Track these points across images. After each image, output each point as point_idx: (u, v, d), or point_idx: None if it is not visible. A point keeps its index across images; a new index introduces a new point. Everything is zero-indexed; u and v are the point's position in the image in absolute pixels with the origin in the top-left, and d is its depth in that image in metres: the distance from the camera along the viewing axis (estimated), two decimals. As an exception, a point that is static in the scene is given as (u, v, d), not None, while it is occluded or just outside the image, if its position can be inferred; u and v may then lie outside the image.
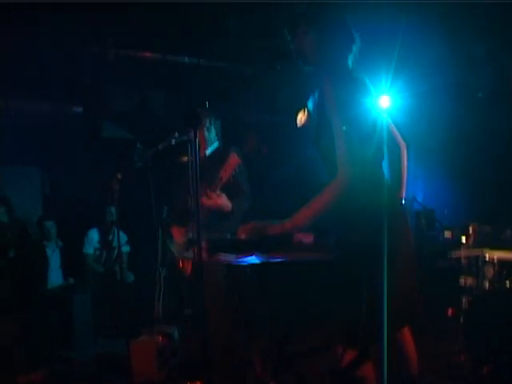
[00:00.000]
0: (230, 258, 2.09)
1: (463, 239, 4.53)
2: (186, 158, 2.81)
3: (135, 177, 3.57)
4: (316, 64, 2.28)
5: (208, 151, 3.63)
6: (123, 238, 5.56)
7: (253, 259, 2.03)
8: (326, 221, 2.17)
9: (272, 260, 2.04)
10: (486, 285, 4.23)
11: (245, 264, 2.03)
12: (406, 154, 2.48)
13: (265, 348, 2.32)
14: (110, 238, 5.45)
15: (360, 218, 2.16)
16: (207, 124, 3.57)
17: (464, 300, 4.45)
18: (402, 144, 2.48)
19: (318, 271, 2.17)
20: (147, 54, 4.75)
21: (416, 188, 5.71)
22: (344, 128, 2.08)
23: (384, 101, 2.65)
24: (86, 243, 5.60)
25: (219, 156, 3.53)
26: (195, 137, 2.17)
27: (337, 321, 2.23)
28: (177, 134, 3.34)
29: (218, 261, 2.14)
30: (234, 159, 3.18)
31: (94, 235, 5.60)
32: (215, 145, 3.66)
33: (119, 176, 3.60)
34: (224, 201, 3.27)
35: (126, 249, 5.71)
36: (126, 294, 5.12)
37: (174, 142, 3.40)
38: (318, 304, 2.19)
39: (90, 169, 5.60)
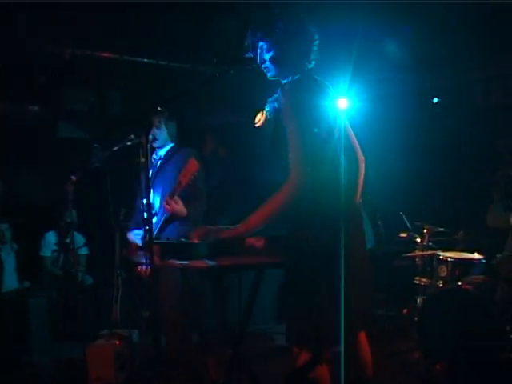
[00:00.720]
0: (181, 261, 2.08)
1: (418, 240, 4.63)
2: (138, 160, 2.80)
3: (92, 178, 3.52)
4: (279, 73, 2.31)
5: (162, 152, 3.63)
6: (81, 240, 5.47)
7: (205, 263, 2.03)
8: (278, 224, 2.19)
9: (223, 264, 2.05)
10: (440, 284, 4.35)
11: (197, 268, 2.03)
12: (363, 169, 2.48)
13: (218, 349, 2.34)
14: (68, 240, 5.35)
15: (312, 220, 2.18)
16: (158, 124, 3.55)
17: (418, 299, 4.56)
18: (361, 158, 2.47)
19: (271, 275, 2.19)
20: (104, 54, 4.69)
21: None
22: (298, 131, 2.11)
23: (342, 103, 2.68)
24: (43, 246, 5.50)
25: (175, 158, 3.54)
26: (147, 142, 2.16)
27: (291, 322, 2.25)
28: (132, 136, 3.33)
29: (170, 265, 2.13)
30: (193, 164, 3.18)
31: (51, 238, 5.49)
32: (169, 145, 3.65)
33: (74, 178, 3.56)
34: (180, 207, 3.27)
35: (83, 251, 5.62)
36: (84, 297, 5.05)
37: (129, 143, 3.39)
38: (270, 306, 2.20)
39: (47, 169, 5.49)
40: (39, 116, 5.35)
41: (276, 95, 2.26)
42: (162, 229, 3.25)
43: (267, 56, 2.26)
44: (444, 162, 5.85)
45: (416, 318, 4.22)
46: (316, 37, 2.31)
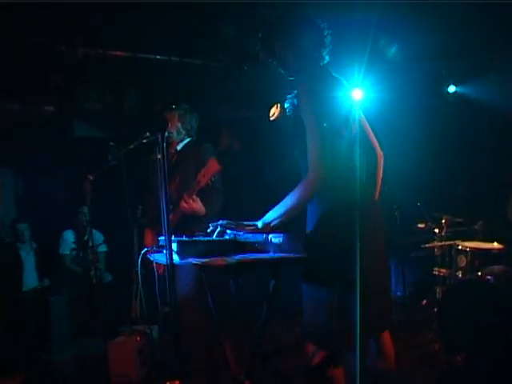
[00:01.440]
0: (200, 259, 2.09)
1: (436, 230, 4.59)
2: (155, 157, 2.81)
3: (109, 176, 3.54)
4: (296, 72, 2.30)
5: (179, 146, 3.62)
6: (100, 237, 5.52)
7: (224, 260, 2.03)
8: (298, 219, 2.19)
9: (243, 260, 2.05)
10: (459, 274, 4.32)
11: (216, 266, 2.03)
12: (382, 164, 2.47)
13: (239, 346, 2.34)
14: (86, 238, 5.41)
15: (332, 216, 2.18)
16: (174, 119, 3.54)
17: (438, 290, 4.53)
18: (380, 154, 2.48)
19: (290, 271, 2.19)
20: (118, 53, 4.70)
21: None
22: (317, 126, 2.10)
23: (357, 94, 2.66)
24: (61, 244, 5.56)
25: (193, 153, 3.53)
26: (162, 139, 2.16)
27: (308, 319, 2.25)
28: (148, 134, 3.33)
29: (188, 262, 2.13)
30: (213, 165, 3.17)
31: (69, 236, 5.56)
32: (187, 140, 3.64)
33: (91, 177, 3.57)
34: (199, 205, 3.27)
35: (103, 248, 5.67)
36: (104, 294, 5.09)
37: (145, 141, 3.40)
38: (290, 303, 2.20)
39: (64, 169, 5.53)
40: (55, 116, 5.39)
41: (295, 91, 2.25)
42: (178, 226, 3.26)
43: (283, 55, 2.26)
44: (462, 152, 5.79)
45: (436, 309, 4.19)
46: (326, 32, 2.30)
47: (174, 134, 3.58)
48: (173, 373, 3.43)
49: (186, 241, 2.19)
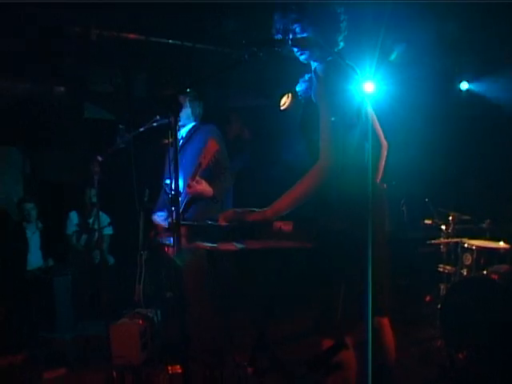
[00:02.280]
0: (209, 244, 2.09)
1: (443, 227, 4.58)
2: (166, 141, 2.80)
3: (117, 158, 3.53)
4: (309, 50, 2.28)
5: (184, 131, 3.64)
6: (106, 220, 5.53)
7: (233, 245, 2.03)
8: (307, 208, 2.18)
9: (251, 247, 2.05)
10: (464, 272, 4.31)
11: (224, 250, 2.03)
12: (385, 155, 2.49)
13: (243, 333, 2.35)
14: (91, 220, 5.42)
15: (341, 206, 2.17)
16: (183, 104, 3.56)
17: (442, 286, 4.53)
18: (384, 144, 2.49)
19: (297, 259, 2.18)
20: (131, 36, 4.68)
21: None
22: (331, 114, 2.08)
23: (368, 86, 2.64)
24: (68, 225, 5.57)
25: (196, 137, 3.56)
26: (175, 122, 2.15)
27: (315, 308, 2.25)
28: (158, 117, 3.33)
29: (197, 247, 2.13)
30: (212, 145, 3.17)
31: (74, 217, 5.57)
32: (191, 124, 3.66)
33: (100, 158, 3.57)
34: (204, 186, 3.26)
35: (108, 231, 5.68)
36: (107, 276, 5.12)
37: (155, 124, 3.41)
38: (296, 291, 2.19)
39: (72, 150, 5.53)
40: (65, 96, 5.38)
41: (308, 75, 2.23)
42: (185, 209, 3.26)
43: (299, 37, 2.24)
44: (473, 149, 5.76)
45: (439, 306, 4.18)
46: (343, 17, 2.28)
47: (184, 118, 3.59)
48: (175, 357, 3.47)
49: (195, 225, 2.19)
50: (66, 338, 4.60)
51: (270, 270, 2.12)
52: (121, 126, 3.64)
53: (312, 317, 2.26)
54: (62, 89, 5.46)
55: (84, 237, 5.46)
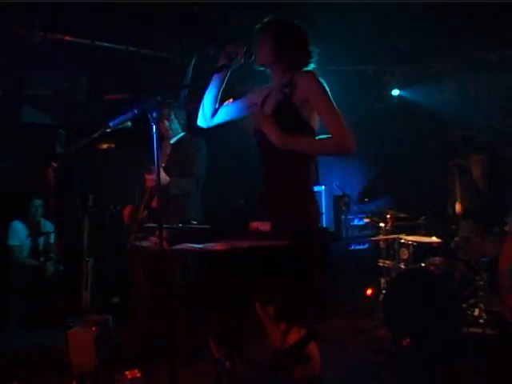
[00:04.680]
0: (189, 245, 2.15)
1: (382, 225, 4.88)
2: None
3: (59, 165, 3.49)
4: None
5: (173, 140, 3.89)
6: (50, 227, 5.32)
7: (214, 246, 2.11)
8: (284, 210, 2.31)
9: (238, 247, 2.13)
10: (402, 265, 4.62)
11: (206, 251, 2.10)
12: None
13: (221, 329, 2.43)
14: (36, 228, 5.23)
15: (314, 205, 2.37)
16: (169, 116, 3.85)
17: (382, 280, 4.83)
18: None
19: (272, 256, 2.30)
20: (76, 39, 4.61)
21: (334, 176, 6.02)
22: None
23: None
24: (11, 235, 5.24)
25: (184, 145, 3.86)
26: (157, 129, 2.20)
27: (284, 300, 2.37)
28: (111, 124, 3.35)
29: (178, 249, 2.20)
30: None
31: (18, 226, 5.26)
32: (180, 134, 3.94)
33: (55, 165, 3.51)
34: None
35: (53, 239, 5.48)
36: (53, 284, 4.98)
37: (108, 130, 3.41)
38: (268, 285, 2.29)
39: (10, 156, 5.31)
40: (1, 100, 5.15)
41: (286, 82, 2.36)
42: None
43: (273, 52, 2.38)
44: (406, 153, 6.15)
45: (381, 298, 4.46)
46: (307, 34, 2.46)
47: (173, 128, 3.91)
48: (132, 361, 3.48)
49: (176, 228, 2.25)
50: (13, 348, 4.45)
51: (253, 269, 2.21)
52: (61, 132, 3.61)
53: (279, 309, 2.35)
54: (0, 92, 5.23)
55: (31, 246, 5.23)
